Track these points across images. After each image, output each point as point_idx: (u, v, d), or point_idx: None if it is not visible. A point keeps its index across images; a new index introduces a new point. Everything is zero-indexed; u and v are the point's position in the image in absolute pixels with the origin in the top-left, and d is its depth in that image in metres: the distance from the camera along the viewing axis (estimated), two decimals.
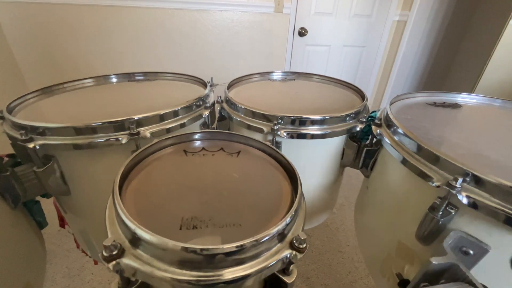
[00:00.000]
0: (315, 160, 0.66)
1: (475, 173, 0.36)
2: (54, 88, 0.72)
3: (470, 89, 1.73)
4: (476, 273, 0.36)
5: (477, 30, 2.19)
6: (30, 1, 1.29)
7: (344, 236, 1.26)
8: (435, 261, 0.35)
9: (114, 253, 0.25)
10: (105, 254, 0.25)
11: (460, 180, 0.36)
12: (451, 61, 2.43)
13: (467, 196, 0.36)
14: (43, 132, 0.49)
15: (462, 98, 0.74)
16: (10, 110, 0.58)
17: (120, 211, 0.27)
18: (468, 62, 2.29)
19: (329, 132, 0.59)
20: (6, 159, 0.56)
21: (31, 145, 0.47)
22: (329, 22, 1.81)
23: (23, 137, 0.47)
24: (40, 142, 0.48)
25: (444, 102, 0.71)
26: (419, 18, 1.89)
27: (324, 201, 0.76)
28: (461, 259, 0.38)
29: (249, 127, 0.61)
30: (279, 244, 0.29)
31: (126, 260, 0.25)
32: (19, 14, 1.30)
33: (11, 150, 0.55)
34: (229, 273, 0.26)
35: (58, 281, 1.00)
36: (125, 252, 0.26)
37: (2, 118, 0.55)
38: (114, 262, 0.24)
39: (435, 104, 0.70)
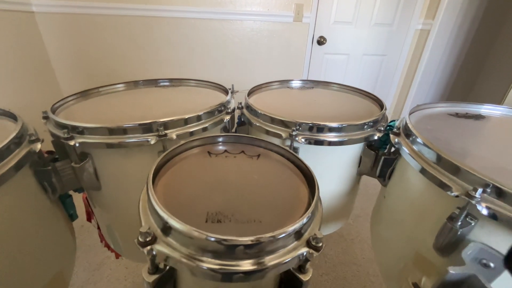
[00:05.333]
0: (332, 166, 0.67)
1: (495, 184, 0.36)
2: (90, 92, 0.79)
3: (498, 101, 1.66)
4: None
5: (508, 39, 2.10)
6: (71, 12, 1.42)
7: (359, 248, 1.23)
8: (453, 270, 0.35)
9: (148, 239, 0.28)
10: (140, 239, 0.28)
11: (480, 190, 0.36)
12: (477, 72, 2.34)
13: (487, 207, 0.36)
14: (82, 131, 0.54)
15: (486, 109, 0.72)
16: (53, 111, 0.64)
17: (154, 203, 0.30)
18: (496, 73, 2.19)
19: (346, 139, 0.60)
20: (45, 155, 0.62)
21: (72, 143, 0.52)
22: (349, 31, 1.82)
23: (66, 135, 0.52)
24: (80, 140, 0.53)
25: (466, 113, 0.70)
26: (444, 27, 1.85)
27: (339, 209, 0.76)
28: (481, 272, 0.38)
29: (267, 133, 0.64)
30: (296, 242, 0.31)
31: (158, 247, 0.28)
32: (59, 24, 1.43)
33: (49, 147, 0.61)
34: (248, 265, 0.28)
35: (79, 274, 1.06)
36: (157, 240, 0.29)
37: (46, 118, 0.62)
38: (148, 248, 0.27)
39: (457, 115, 0.69)
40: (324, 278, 1.08)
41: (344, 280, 1.07)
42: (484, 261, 0.38)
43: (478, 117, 0.68)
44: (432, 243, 0.44)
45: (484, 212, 0.36)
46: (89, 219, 0.84)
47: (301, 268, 0.33)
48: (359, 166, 0.69)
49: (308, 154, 0.63)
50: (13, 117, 0.56)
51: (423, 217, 0.49)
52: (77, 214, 0.70)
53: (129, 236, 0.71)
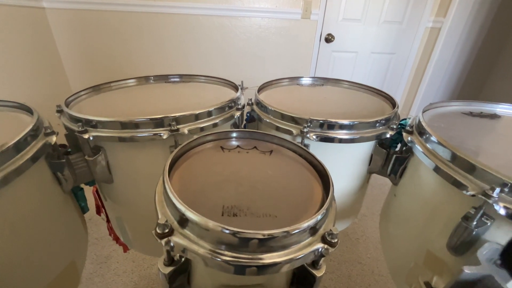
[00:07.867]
0: (342, 164, 0.66)
1: None
2: (102, 87, 0.80)
3: (511, 101, 1.63)
4: None
5: None
6: (81, 8, 1.43)
7: (364, 247, 1.22)
8: (468, 270, 0.34)
9: (166, 231, 0.28)
10: (158, 231, 0.28)
11: (498, 190, 0.35)
12: (489, 71, 2.29)
13: (505, 207, 0.35)
14: (95, 125, 0.55)
15: (502, 108, 0.71)
16: (66, 105, 0.65)
17: (171, 195, 0.30)
18: (508, 73, 2.14)
19: (357, 137, 0.60)
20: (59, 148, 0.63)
21: (86, 136, 0.53)
22: (357, 28, 1.80)
23: (80, 129, 0.53)
24: (93, 134, 0.54)
25: (481, 112, 0.69)
26: (455, 24, 1.81)
27: (348, 207, 0.76)
28: (496, 272, 0.37)
29: (277, 129, 0.64)
30: (311, 237, 0.31)
31: (175, 238, 0.28)
32: (68, 20, 1.45)
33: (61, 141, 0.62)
34: (263, 259, 0.29)
35: (87, 267, 1.08)
36: (174, 232, 0.29)
37: (61, 111, 0.62)
38: (166, 239, 0.28)
39: (471, 114, 0.67)
40: (329, 276, 1.08)
41: (348, 278, 1.07)
42: (500, 262, 0.37)
43: (493, 116, 0.67)
44: (445, 242, 0.44)
45: (502, 212, 0.35)
46: (98, 212, 0.86)
47: (315, 263, 0.33)
48: (369, 164, 0.69)
49: (319, 151, 0.62)
50: (28, 110, 0.57)
51: (436, 216, 0.48)
52: (88, 207, 0.72)
53: (139, 228, 0.72)
